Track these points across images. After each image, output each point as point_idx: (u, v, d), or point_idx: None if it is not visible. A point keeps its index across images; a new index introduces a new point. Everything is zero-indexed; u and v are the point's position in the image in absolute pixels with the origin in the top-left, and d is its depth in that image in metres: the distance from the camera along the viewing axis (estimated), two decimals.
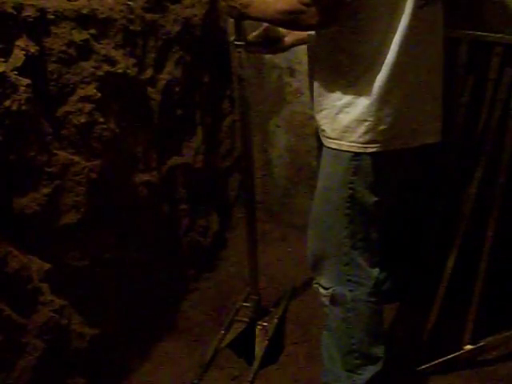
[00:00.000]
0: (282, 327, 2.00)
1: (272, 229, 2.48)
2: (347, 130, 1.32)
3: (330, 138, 1.37)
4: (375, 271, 1.48)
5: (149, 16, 1.78)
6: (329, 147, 1.39)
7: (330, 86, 1.35)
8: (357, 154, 1.33)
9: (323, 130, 1.40)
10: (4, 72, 1.22)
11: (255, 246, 1.90)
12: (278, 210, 2.51)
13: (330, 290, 1.51)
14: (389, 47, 1.25)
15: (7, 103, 1.24)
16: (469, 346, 1.74)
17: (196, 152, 2.14)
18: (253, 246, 1.89)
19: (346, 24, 1.25)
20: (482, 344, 1.73)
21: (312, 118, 2.19)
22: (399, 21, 1.23)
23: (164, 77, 1.90)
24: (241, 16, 1.45)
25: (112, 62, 1.58)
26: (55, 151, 1.42)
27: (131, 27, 1.69)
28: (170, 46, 1.92)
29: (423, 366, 1.74)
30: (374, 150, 1.32)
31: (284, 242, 2.43)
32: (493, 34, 1.64)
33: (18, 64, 1.26)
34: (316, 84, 1.40)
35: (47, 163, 1.39)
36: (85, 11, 1.48)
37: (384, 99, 1.28)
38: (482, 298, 1.74)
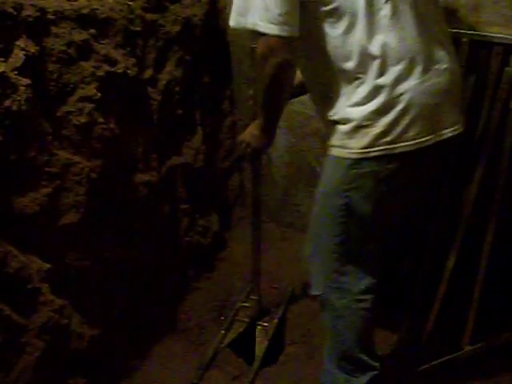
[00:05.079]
0: (282, 327, 2.00)
1: (272, 229, 2.48)
2: (347, 137, 1.33)
3: (332, 146, 1.37)
4: (367, 280, 1.46)
5: (149, 16, 1.78)
6: (331, 154, 1.39)
7: (330, 99, 1.36)
8: (356, 162, 1.33)
9: (327, 138, 1.40)
10: (4, 72, 1.22)
11: (258, 247, 1.91)
12: (278, 210, 2.51)
13: (320, 298, 1.51)
14: (374, 57, 1.25)
15: (7, 103, 1.24)
16: (469, 347, 1.74)
17: (196, 152, 2.14)
18: (256, 246, 1.91)
19: (317, 47, 1.28)
20: (481, 344, 1.73)
21: (312, 118, 2.21)
22: (374, 29, 1.23)
23: (164, 77, 1.90)
24: (262, 140, 1.52)
25: (112, 61, 1.58)
26: (55, 151, 1.42)
27: (131, 27, 1.69)
28: (169, 46, 1.92)
29: (423, 366, 1.74)
30: (374, 154, 1.31)
31: (284, 241, 2.43)
32: (493, 34, 1.64)
33: (18, 64, 1.26)
34: (317, 97, 1.43)
35: (47, 163, 1.39)
36: (85, 11, 1.48)
37: (379, 105, 1.27)
38: (482, 298, 1.74)
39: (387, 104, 1.27)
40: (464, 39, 1.68)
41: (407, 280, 1.96)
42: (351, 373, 1.51)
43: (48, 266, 1.42)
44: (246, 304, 2.01)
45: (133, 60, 1.70)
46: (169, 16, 1.89)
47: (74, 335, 1.55)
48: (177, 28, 1.92)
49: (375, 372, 1.50)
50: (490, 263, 1.73)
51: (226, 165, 2.43)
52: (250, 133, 1.56)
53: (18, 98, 1.26)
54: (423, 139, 1.32)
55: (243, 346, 1.92)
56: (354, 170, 1.33)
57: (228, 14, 1.32)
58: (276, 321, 1.98)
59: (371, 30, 1.24)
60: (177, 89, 1.96)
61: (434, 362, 1.74)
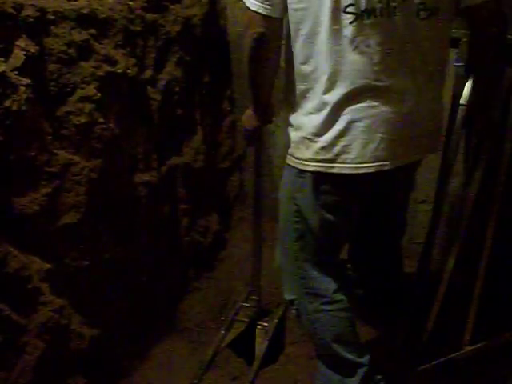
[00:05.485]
0: (282, 327, 2.00)
1: (272, 229, 2.47)
2: (294, 146, 1.37)
3: (287, 153, 1.42)
4: (334, 283, 1.48)
5: (149, 16, 1.78)
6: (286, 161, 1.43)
7: (287, 107, 1.40)
8: (300, 172, 1.36)
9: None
10: (4, 72, 1.22)
11: (259, 247, 1.92)
12: (278, 210, 2.51)
13: (294, 304, 1.53)
14: (324, 72, 1.24)
15: (7, 103, 1.24)
16: (469, 347, 1.74)
17: (196, 152, 2.14)
18: (256, 246, 1.91)
19: (287, 53, 1.32)
20: (481, 344, 1.73)
21: None
22: (333, 45, 1.21)
23: (164, 77, 1.90)
24: (254, 121, 1.57)
25: (112, 62, 1.58)
26: (55, 151, 1.42)
27: (131, 27, 1.69)
28: (169, 46, 1.92)
29: (423, 366, 1.74)
30: (313, 169, 1.32)
31: None
32: None
33: (18, 64, 1.26)
34: (284, 97, 1.44)
35: (47, 163, 1.39)
36: (85, 11, 1.48)
37: (323, 120, 1.28)
38: (482, 298, 1.74)
39: (329, 121, 1.27)
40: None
41: (407, 280, 1.97)
42: (342, 373, 1.52)
43: (48, 266, 1.42)
44: (246, 304, 2.01)
45: (133, 60, 1.70)
46: (169, 16, 1.89)
47: (74, 335, 1.55)
48: (177, 28, 1.92)
49: (365, 368, 1.50)
50: (490, 263, 1.73)
51: (226, 165, 2.43)
52: (245, 115, 1.62)
53: (18, 98, 1.25)
54: (360, 165, 1.28)
55: (243, 345, 1.92)
56: (300, 179, 1.37)
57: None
58: (276, 321, 1.98)
59: (332, 45, 1.21)
60: (177, 89, 1.96)
61: (433, 362, 1.74)
